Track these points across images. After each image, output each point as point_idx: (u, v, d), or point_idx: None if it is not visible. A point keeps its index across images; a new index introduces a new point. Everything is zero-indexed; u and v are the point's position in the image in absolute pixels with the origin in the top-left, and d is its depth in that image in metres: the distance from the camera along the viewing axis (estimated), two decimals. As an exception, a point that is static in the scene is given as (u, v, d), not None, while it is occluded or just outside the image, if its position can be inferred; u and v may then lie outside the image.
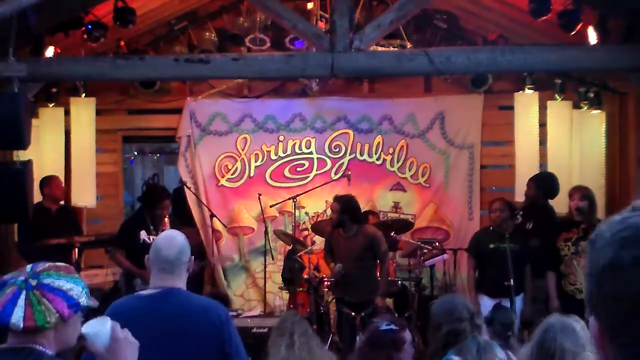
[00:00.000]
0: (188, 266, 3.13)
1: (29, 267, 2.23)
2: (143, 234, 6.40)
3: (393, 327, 3.33)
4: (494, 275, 6.20)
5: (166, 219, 6.49)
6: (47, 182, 7.20)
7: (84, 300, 2.24)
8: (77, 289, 2.22)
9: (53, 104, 8.00)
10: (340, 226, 6.61)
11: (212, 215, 7.79)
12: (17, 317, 2.11)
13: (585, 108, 7.86)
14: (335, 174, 8.44)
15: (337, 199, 6.71)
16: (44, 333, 2.18)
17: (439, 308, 3.67)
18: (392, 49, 7.10)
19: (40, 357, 2.18)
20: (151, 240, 6.36)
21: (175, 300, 3.05)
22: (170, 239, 3.16)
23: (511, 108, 8.04)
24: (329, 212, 7.33)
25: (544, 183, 7.13)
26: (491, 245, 6.32)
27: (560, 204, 6.98)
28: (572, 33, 6.12)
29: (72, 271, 2.30)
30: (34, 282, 2.16)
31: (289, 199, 7.75)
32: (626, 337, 0.98)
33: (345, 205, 6.55)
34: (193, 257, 3.20)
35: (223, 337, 3.00)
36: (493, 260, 6.22)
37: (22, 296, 2.14)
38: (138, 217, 6.76)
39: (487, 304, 6.20)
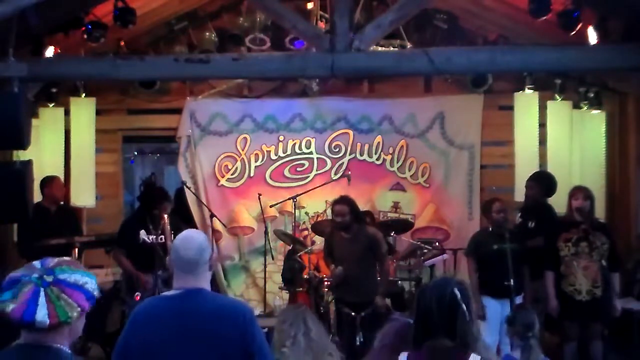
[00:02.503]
0: (210, 264, 3.10)
1: (37, 263, 2.25)
2: (143, 234, 6.39)
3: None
4: (498, 276, 6.18)
5: (166, 218, 6.47)
6: (48, 182, 7.19)
7: (97, 292, 2.28)
8: (91, 282, 2.26)
9: (53, 104, 8.00)
10: (348, 228, 6.47)
11: (212, 215, 7.78)
12: (42, 314, 2.14)
13: (585, 108, 7.86)
14: (335, 174, 8.44)
15: (345, 201, 6.46)
16: (62, 329, 2.21)
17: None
18: (392, 49, 7.09)
19: (59, 354, 2.21)
20: (150, 239, 6.37)
21: (199, 300, 3.03)
22: (189, 239, 3.11)
23: (511, 108, 8.04)
24: (329, 212, 7.30)
25: (544, 182, 7.12)
26: (495, 246, 6.31)
27: (559, 204, 6.98)
28: (572, 33, 6.12)
29: (80, 265, 2.34)
30: (49, 279, 2.18)
31: (289, 199, 7.74)
32: None
33: (352, 207, 6.42)
34: (214, 253, 3.17)
35: (247, 336, 2.98)
36: (497, 261, 6.20)
37: (42, 293, 2.16)
38: (138, 217, 6.75)
39: (492, 305, 6.19)
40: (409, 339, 3.12)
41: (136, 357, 2.98)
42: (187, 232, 3.25)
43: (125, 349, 3.01)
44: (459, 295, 2.68)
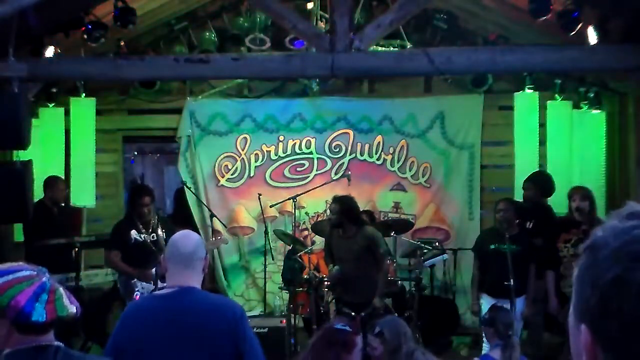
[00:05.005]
0: (203, 265, 3.14)
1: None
2: (134, 233, 6.43)
3: (347, 328, 3.40)
4: (495, 276, 6.19)
5: (150, 213, 6.49)
6: (52, 183, 7.19)
7: None
8: None
9: (53, 104, 8.00)
10: (338, 227, 6.57)
11: (212, 215, 7.78)
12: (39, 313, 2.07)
13: (585, 108, 7.86)
14: (336, 174, 8.45)
15: (336, 199, 6.64)
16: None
17: (393, 331, 3.96)
18: (392, 49, 7.09)
19: (67, 353, 2.17)
20: (142, 238, 6.41)
21: (191, 298, 3.06)
22: (186, 235, 3.20)
23: (511, 108, 8.04)
24: (329, 212, 7.31)
25: (541, 182, 7.12)
26: (492, 246, 6.31)
27: (559, 204, 6.98)
28: (572, 33, 6.12)
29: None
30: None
31: (289, 199, 7.73)
32: (625, 353, 0.92)
33: (344, 206, 6.51)
34: (208, 255, 3.21)
35: (237, 334, 3.01)
36: (495, 260, 6.21)
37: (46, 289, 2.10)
38: (127, 217, 6.79)
39: (489, 303, 6.19)
40: (334, 344, 3.29)
41: (129, 356, 2.98)
42: (184, 231, 3.31)
43: (117, 348, 3.01)
44: None
